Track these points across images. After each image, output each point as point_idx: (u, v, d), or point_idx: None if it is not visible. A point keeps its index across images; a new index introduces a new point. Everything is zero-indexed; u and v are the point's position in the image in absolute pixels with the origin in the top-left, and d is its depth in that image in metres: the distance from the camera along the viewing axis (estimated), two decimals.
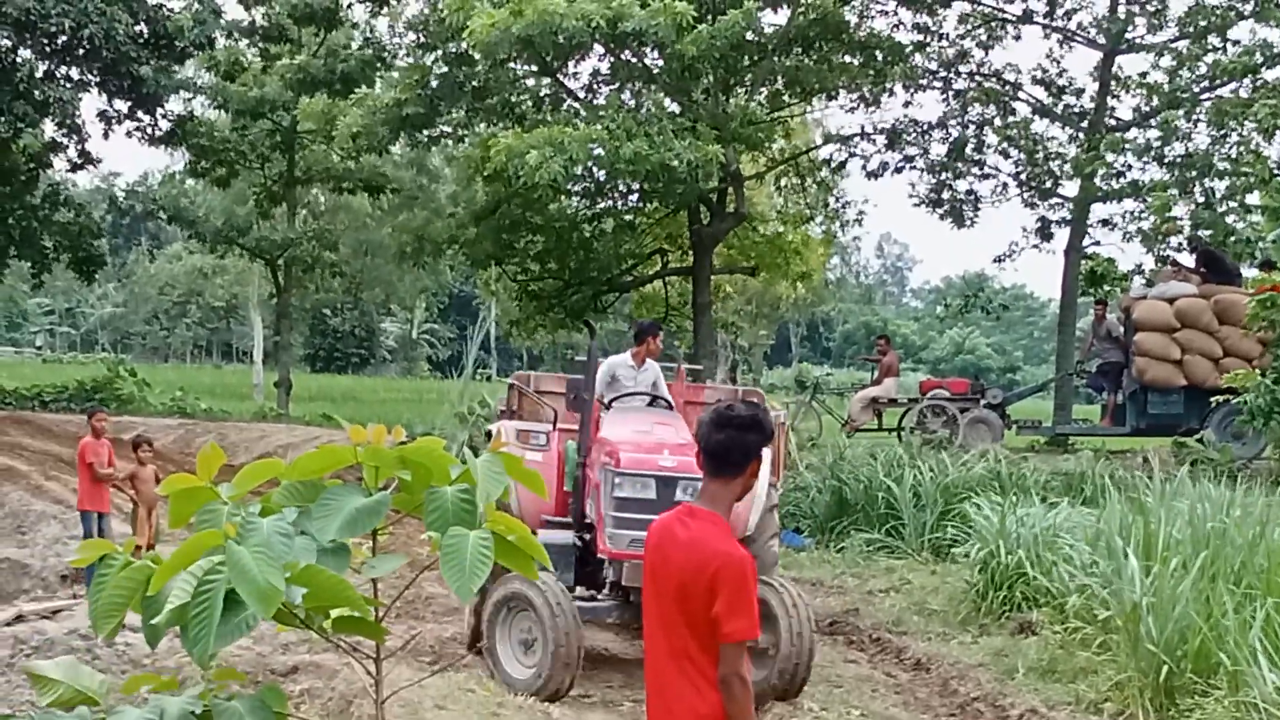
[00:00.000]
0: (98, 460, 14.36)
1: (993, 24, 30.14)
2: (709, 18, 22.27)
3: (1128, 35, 29.52)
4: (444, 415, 30.09)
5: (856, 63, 25.90)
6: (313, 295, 52.61)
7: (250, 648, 9.49)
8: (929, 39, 29.45)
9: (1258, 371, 17.99)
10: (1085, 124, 30.03)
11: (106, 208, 41.95)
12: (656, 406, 11.66)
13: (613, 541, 10.30)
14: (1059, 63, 31.02)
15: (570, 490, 11.11)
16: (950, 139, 30.64)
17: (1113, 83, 29.81)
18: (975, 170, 30.95)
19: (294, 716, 5.53)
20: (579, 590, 10.84)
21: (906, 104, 33.98)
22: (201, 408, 36.37)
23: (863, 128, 30.70)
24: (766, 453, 4.91)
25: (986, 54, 30.66)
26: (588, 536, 10.80)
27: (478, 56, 22.77)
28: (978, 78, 30.72)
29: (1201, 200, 26.76)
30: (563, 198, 26.49)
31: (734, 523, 5.41)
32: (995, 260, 32.85)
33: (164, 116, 33.32)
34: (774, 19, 24.80)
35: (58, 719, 3.86)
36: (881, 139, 30.25)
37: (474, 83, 24.33)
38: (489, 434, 11.98)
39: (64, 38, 28.23)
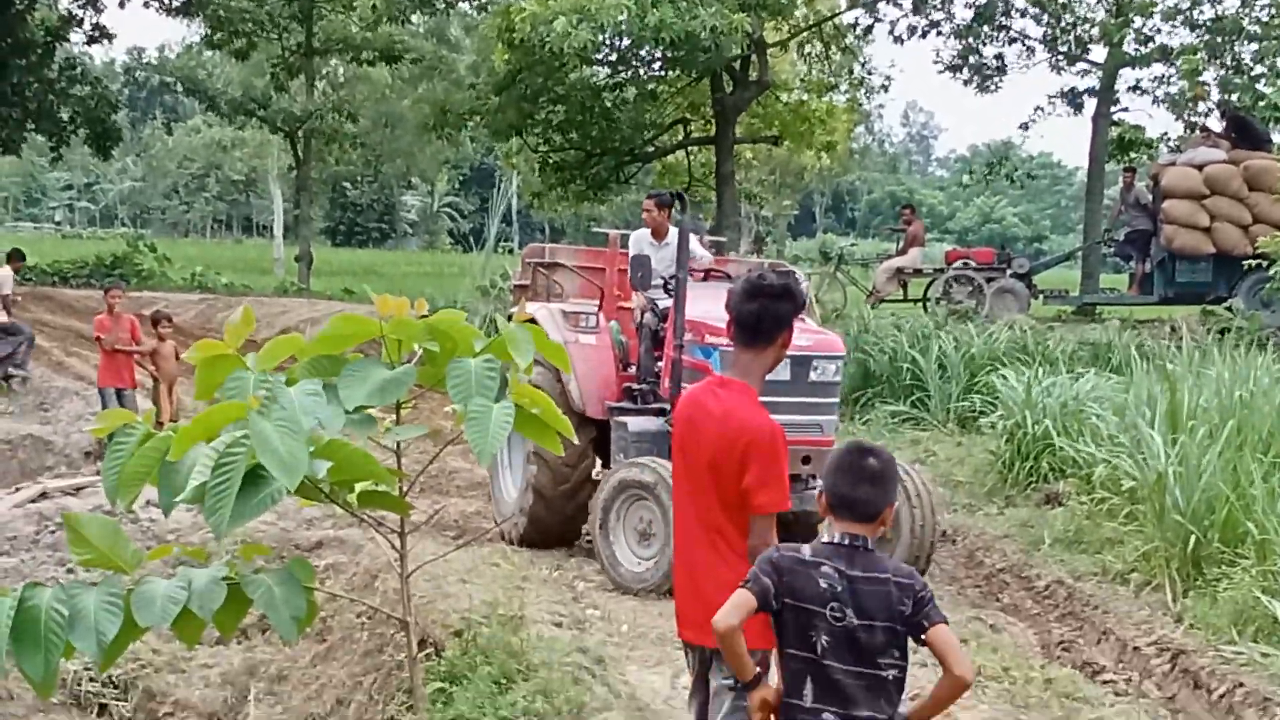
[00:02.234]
0: (106, 335, 14.46)
1: None
2: None
3: None
4: (466, 289, 30.04)
5: None
6: (332, 168, 52.42)
7: (274, 523, 9.54)
8: None
9: None
10: None
11: (124, 79, 41.61)
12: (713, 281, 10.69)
13: None
14: None
15: (639, 371, 10.48)
16: (976, 3, 30.08)
17: None
18: (1002, 35, 30.42)
19: (320, 590, 5.53)
20: None
21: None
22: (222, 282, 36.40)
23: None
24: (798, 322, 4.81)
25: None
26: None
27: None
28: None
29: (1231, 65, 26.30)
30: (584, 66, 26.13)
31: None
32: (1020, 126, 32.40)
33: None
34: None
35: (87, 591, 3.84)
36: (907, 2, 29.70)
37: None
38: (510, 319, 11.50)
39: None
